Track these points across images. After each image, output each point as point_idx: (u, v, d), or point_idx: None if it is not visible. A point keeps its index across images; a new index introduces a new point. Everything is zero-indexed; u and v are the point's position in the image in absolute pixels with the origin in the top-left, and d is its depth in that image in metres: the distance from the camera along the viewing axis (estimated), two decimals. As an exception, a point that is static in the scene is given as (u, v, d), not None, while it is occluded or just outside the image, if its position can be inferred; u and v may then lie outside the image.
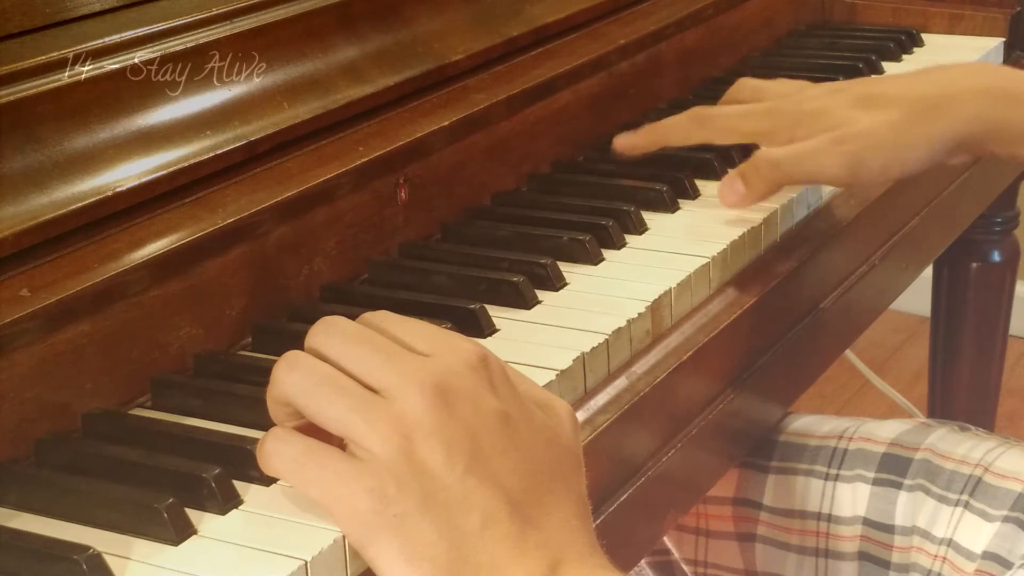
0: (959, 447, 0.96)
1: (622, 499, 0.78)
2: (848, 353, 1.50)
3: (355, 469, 0.60)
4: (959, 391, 1.62)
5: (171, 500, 0.63)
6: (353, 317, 0.66)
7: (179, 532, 0.63)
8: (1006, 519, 0.91)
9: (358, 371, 0.62)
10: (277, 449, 0.62)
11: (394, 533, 0.59)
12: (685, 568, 1.06)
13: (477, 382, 0.62)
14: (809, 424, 1.02)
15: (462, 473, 0.60)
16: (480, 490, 0.60)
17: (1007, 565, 0.89)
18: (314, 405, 0.62)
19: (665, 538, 1.05)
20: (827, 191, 1.05)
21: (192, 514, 0.64)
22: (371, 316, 0.66)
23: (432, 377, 0.61)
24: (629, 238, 0.94)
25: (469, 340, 0.65)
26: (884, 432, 0.99)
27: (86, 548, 0.60)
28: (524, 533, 0.60)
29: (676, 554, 1.05)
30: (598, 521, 0.76)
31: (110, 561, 0.61)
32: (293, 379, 0.62)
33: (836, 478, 0.98)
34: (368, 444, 0.60)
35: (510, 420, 0.62)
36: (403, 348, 0.63)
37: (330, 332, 0.64)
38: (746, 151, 1.08)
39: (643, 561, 1.07)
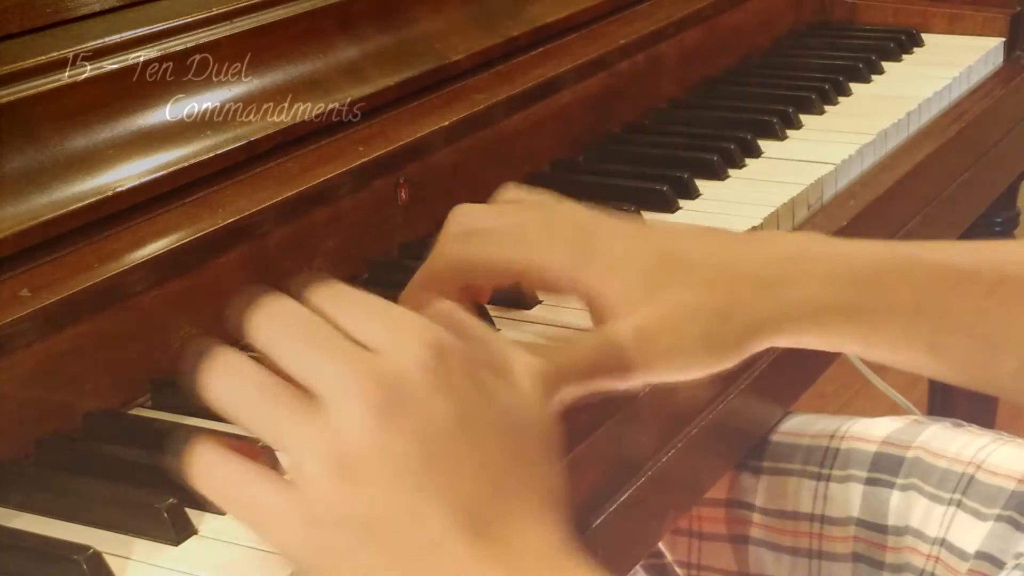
0: (952, 444, 0.96)
1: (622, 499, 0.78)
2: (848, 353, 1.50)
3: (287, 498, 0.54)
4: (959, 391, 1.61)
5: (171, 500, 0.63)
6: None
7: (179, 532, 0.63)
8: (999, 518, 0.91)
9: (294, 372, 0.56)
10: (203, 473, 0.57)
11: (336, 565, 0.54)
12: (679, 571, 1.05)
13: (431, 382, 0.56)
14: (801, 423, 1.01)
15: (412, 491, 0.54)
16: (432, 506, 0.54)
17: (1000, 565, 0.89)
18: (244, 417, 0.56)
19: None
20: (828, 192, 1.05)
21: (192, 514, 0.64)
22: (316, 294, 0.59)
23: (376, 386, 0.54)
24: (629, 238, 0.94)
25: (424, 326, 0.57)
26: (876, 430, 0.99)
27: (86, 548, 0.60)
28: (484, 548, 0.54)
29: (669, 557, 1.05)
30: (598, 521, 0.76)
31: (110, 561, 0.60)
32: (222, 388, 0.57)
33: (828, 478, 0.98)
34: (302, 467, 0.54)
35: (468, 420, 0.56)
36: (347, 341, 0.56)
37: (269, 320, 0.58)
38: (749, 146, 1.09)
39: (637, 564, 1.07)
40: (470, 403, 0.56)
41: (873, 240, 0.78)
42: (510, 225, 0.75)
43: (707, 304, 0.72)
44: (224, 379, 0.57)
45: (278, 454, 0.60)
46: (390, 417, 0.54)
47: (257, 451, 0.58)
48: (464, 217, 0.77)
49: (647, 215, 0.96)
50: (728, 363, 0.74)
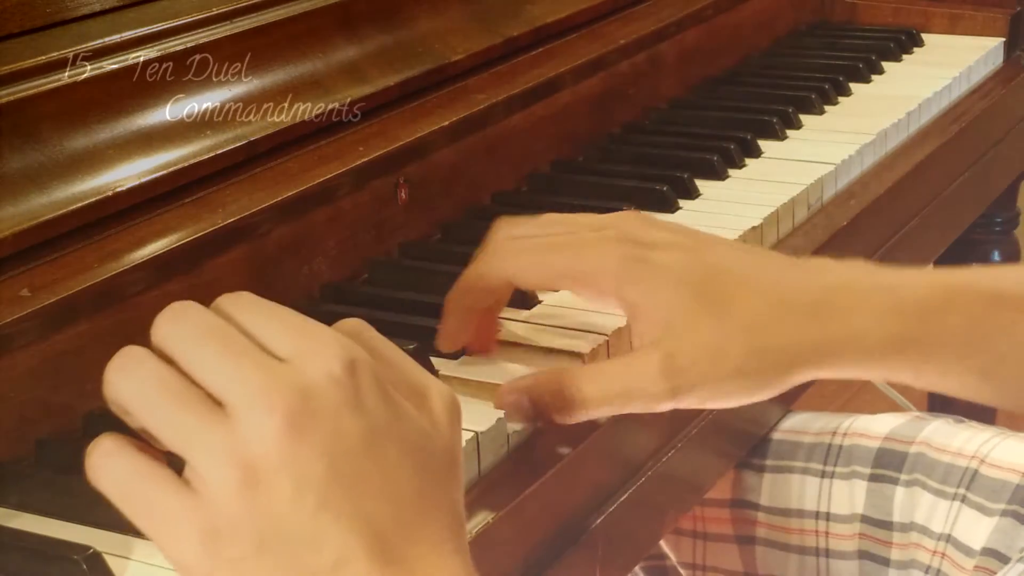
0: (954, 439, 0.96)
1: (622, 499, 0.78)
2: (848, 353, 1.50)
3: (185, 505, 0.52)
4: (959, 391, 1.61)
5: (171, 500, 0.63)
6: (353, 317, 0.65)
7: (179, 532, 0.63)
8: (1004, 513, 0.91)
9: (202, 378, 0.54)
10: (102, 466, 0.54)
11: None
12: (682, 572, 1.05)
13: (340, 397, 0.53)
14: (802, 421, 1.01)
15: (313, 509, 0.52)
16: (335, 526, 0.52)
17: (1006, 560, 0.89)
18: (149, 419, 0.54)
19: (661, 542, 1.05)
20: (828, 192, 1.05)
21: (192, 514, 0.64)
22: (228, 303, 0.57)
23: (285, 397, 0.52)
24: (629, 238, 0.94)
25: (337, 339, 0.55)
26: (878, 427, 0.99)
27: (86, 548, 0.60)
28: (385, 570, 0.52)
29: (673, 558, 1.05)
30: (599, 520, 0.76)
31: (110, 561, 0.61)
32: (126, 385, 0.54)
33: (832, 475, 0.98)
34: (204, 474, 0.52)
35: (376, 439, 0.54)
36: (258, 350, 0.54)
37: (177, 324, 0.55)
38: (749, 146, 1.09)
39: (637, 567, 1.07)
40: (379, 421, 0.54)
41: (920, 268, 0.78)
42: (563, 232, 0.76)
43: (745, 339, 0.72)
44: (129, 378, 0.54)
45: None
46: (298, 429, 0.52)
47: (163, 455, 0.55)
48: (512, 225, 0.77)
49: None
50: (764, 396, 0.74)
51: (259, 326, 0.55)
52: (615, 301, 0.75)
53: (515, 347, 0.80)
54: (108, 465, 0.54)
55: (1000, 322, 0.75)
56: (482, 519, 0.67)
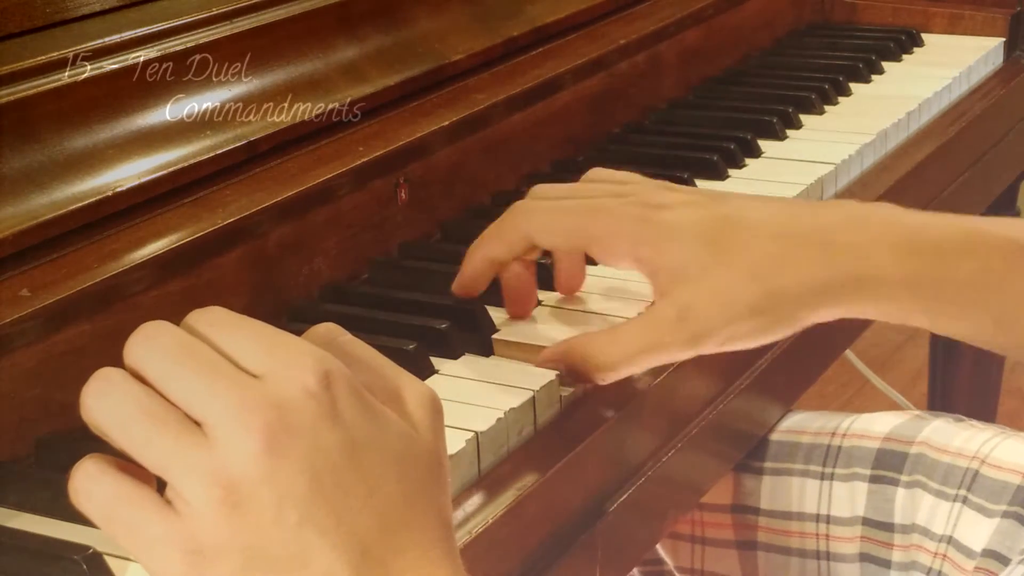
0: (955, 439, 0.95)
1: (622, 499, 0.78)
2: (848, 353, 1.50)
3: (168, 527, 0.53)
4: (959, 391, 1.62)
5: (171, 500, 0.63)
6: (353, 317, 0.65)
7: (179, 532, 0.63)
8: (1005, 514, 0.91)
9: (178, 398, 0.53)
10: (85, 489, 0.54)
11: None
12: (679, 577, 1.05)
13: (317, 410, 0.53)
14: (800, 421, 1.01)
15: (296, 525, 0.52)
16: (319, 542, 0.52)
17: (1006, 562, 0.89)
18: (127, 441, 0.54)
19: (659, 546, 1.05)
20: (828, 192, 1.05)
21: (192, 514, 0.64)
22: (198, 319, 0.56)
23: (262, 414, 0.52)
24: (629, 238, 0.94)
25: (310, 352, 0.55)
26: (877, 427, 0.98)
27: (86, 548, 0.60)
28: None
29: (670, 563, 1.05)
30: (599, 521, 0.76)
31: (110, 561, 0.60)
32: (105, 409, 0.54)
33: (832, 477, 0.98)
34: (186, 494, 0.52)
35: (356, 450, 0.54)
36: (232, 367, 0.54)
37: (150, 345, 0.55)
38: (749, 146, 1.09)
39: (635, 570, 1.07)
40: (358, 432, 0.54)
41: (939, 212, 0.79)
42: (583, 196, 0.80)
43: (756, 280, 0.74)
44: (105, 401, 0.54)
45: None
46: (277, 446, 0.52)
47: (151, 475, 0.55)
48: (540, 188, 0.82)
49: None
50: (781, 335, 0.77)
51: (232, 342, 0.55)
52: (631, 262, 0.77)
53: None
54: (90, 489, 0.54)
55: (1017, 269, 0.76)
56: (482, 519, 0.67)
